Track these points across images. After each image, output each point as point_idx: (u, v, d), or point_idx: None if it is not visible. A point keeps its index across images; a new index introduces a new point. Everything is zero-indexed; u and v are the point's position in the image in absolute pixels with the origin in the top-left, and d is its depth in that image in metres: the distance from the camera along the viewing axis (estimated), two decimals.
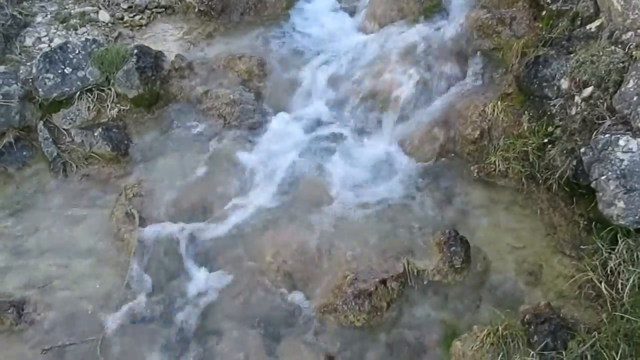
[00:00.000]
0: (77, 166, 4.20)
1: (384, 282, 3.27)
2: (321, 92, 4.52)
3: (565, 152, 3.44)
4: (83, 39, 4.53)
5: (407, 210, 3.77)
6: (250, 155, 4.19)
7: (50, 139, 4.22)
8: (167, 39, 5.01)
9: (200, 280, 3.46)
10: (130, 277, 3.45)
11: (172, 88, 4.58)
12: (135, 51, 4.40)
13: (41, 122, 4.29)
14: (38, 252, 3.72)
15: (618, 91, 3.23)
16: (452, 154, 4.08)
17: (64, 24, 4.85)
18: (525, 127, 3.77)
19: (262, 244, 3.63)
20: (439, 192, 3.87)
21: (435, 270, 3.36)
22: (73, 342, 3.16)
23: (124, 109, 4.44)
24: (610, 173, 3.06)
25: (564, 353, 2.75)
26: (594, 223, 3.22)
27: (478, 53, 4.29)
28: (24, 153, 4.27)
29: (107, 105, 4.41)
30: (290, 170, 4.05)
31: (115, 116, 4.40)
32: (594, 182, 3.16)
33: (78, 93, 4.31)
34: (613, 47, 3.35)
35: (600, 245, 3.10)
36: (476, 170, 3.90)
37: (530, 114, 3.79)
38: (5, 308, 3.24)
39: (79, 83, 4.31)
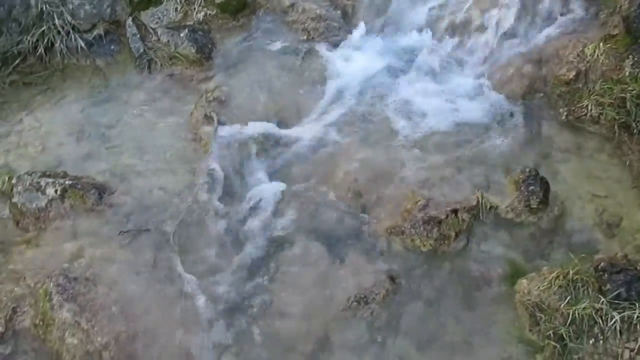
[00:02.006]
0: (161, 65, 4.26)
1: (455, 211, 3.22)
2: (411, 16, 4.35)
3: None
4: None
5: (487, 145, 3.65)
6: (331, 73, 4.13)
7: (138, 36, 4.29)
8: None
9: (272, 188, 3.51)
10: (205, 175, 3.53)
11: None
12: None
13: (130, 18, 4.35)
14: (119, 142, 3.85)
15: None
16: (542, 94, 3.89)
17: None
18: (627, 73, 3.54)
19: (335, 161, 3.62)
20: (523, 130, 3.72)
21: (509, 207, 3.28)
22: (147, 228, 3.28)
23: (210, 14, 4.43)
24: None
25: (637, 304, 2.66)
26: None
27: None
28: (112, 47, 4.36)
29: (194, 8, 4.42)
30: (370, 90, 3.99)
31: (201, 20, 4.41)
32: None
33: None
34: None
35: None
36: (565, 113, 3.73)
37: (635, 59, 3.54)
38: (89, 189, 3.39)
39: None
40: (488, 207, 3.29)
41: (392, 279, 3.08)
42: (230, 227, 3.33)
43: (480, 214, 3.28)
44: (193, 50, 4.22)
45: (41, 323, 2.90)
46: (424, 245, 3.19)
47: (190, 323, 2.96)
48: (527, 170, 3.33)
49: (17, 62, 4.18)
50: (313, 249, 3.22)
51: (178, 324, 2.95)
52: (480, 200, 3.28)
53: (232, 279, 3.11)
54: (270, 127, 3.83)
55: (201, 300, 3.04)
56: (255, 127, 3.82)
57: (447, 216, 3.20)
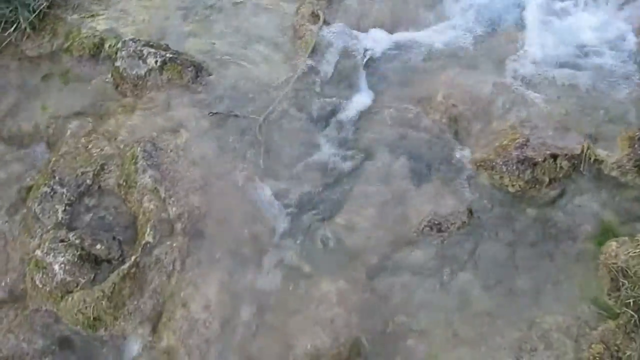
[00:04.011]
0: None
1: (554, 157, 2.99)
2: None
3: None
4: None
5: (606, 94, 3.32)
6: None
7: None
8: None
9: (366, 97, 3.40)
10: (301, 72, 3.46)
11: None
12: None
13: None
14: (222, 26, 3.84)
15: None
16: None
17: None
18: None
19: (437, 81, 3.44)
20: None
21: (615, 164, 3.00)
22: (237, 114, 3.29)
23: None
24: None
25: None
26: None
27: None
28: None
29: None
30: (490, 13, 3.72)
31: None
32: None
33: None
34: None
35: None
36: None
37: None
38: (187, 66, 3.43)
39: None
40: (592, 159, 3.03)
41: (470, 212, 2.95)
42: (317, 127, 3.27)
43: (582, 165, 3.03)
44: None
45: (124, 184, 3.02)
46: (513, 185, 3.01)
47: (261, 214, 2.98)
48: None
49: None
50: (395, 166, 3.12)
51: (250, 212, 2.98)
52: (585, 150, 3.02)
53: (310, 180, 3.09)
54: (377, 35, 3.69)
55: (275, 194, 3.04)
56: (361, 32, 3.68)
57: (544, 160, 2.98)
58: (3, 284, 2.89)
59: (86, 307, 2.66)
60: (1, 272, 2.92)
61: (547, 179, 3.00)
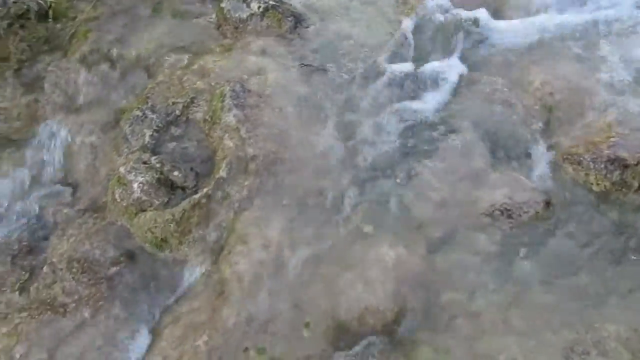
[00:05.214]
0: None
1: None
2: None
3: None
4: None
5: None
6: None
7: None
8: None
9: (459, 71, 3.32)
10: (399, 38, 3.42)
11: None
12: None
13: None
14: None
15: None
16: None
17: None
18: None
19: (536, 67, 3.32)
20: None
21: None
22: (326, 69, 3.32)
23: None
24: None
25: None
26: None
27: None
28: None
29: None
30: (604, 4, 3.50)
31: None
32: None
33: None
34: None
35: None
36: None
37: None
38: (287, 15, 3.49)
39: None
40: None
41: (547, 204, 2.83)
42: (404, 93, 3.24)
43: None
44: None
45: (209, 119, 3.15)
46: (598, 185, 2.86)
47: (333, 170, 3.01)
48: None
49: None
50: (476, 144, 3.05)
51: (322, 166, 3.02)
52: None
53: (387, 144, 3.08)
54: (483, 12, 3.57)
55: (350, 153, 3.06)
56: (466, 9, 3.58)
57: (637, 163, 2.80)
58: (88, 194, 3.10)
59: (156, 227, 2.82)
60: (88, 182, 3.15)
61: (636, 184, 2.82)
